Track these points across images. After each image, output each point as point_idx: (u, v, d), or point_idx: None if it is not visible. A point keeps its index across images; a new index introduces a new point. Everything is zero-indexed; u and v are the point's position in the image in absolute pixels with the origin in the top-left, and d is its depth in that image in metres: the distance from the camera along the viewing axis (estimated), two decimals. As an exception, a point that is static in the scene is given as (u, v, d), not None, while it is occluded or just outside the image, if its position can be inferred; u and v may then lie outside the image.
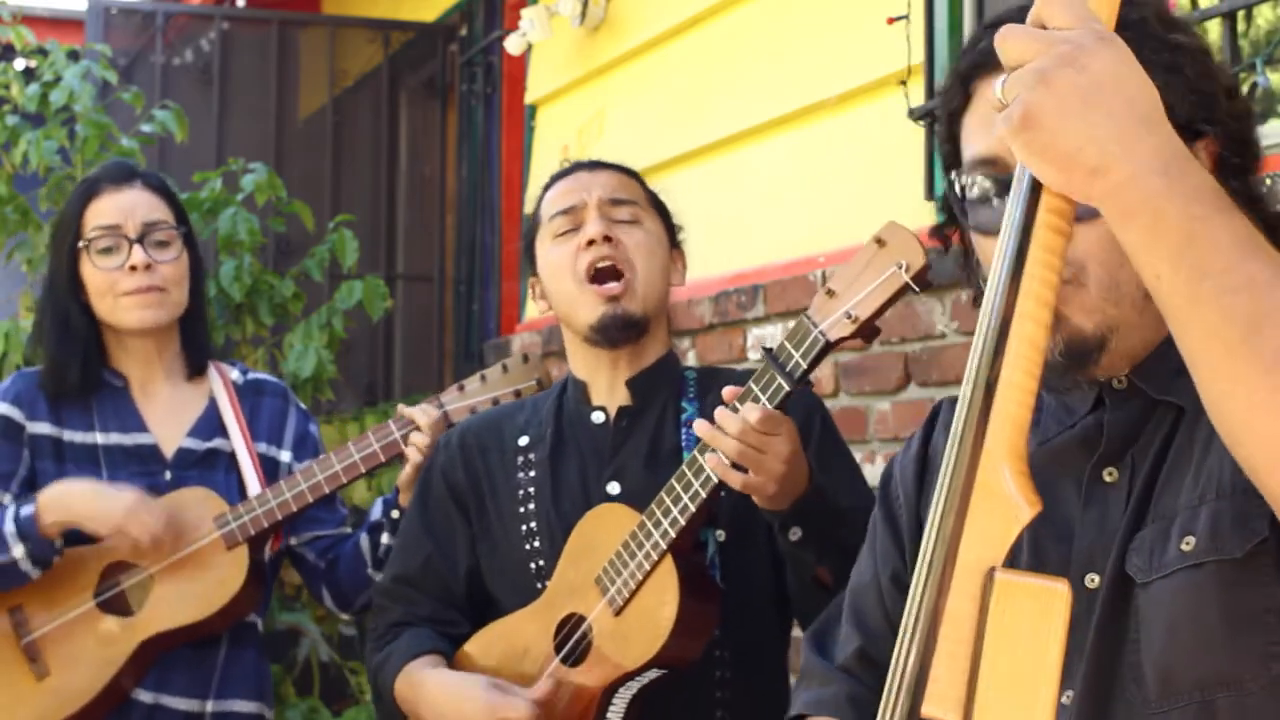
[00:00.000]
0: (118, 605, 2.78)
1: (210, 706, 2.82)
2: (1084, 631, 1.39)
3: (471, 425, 2.60)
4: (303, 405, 3.08)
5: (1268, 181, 2.51)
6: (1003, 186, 1.43)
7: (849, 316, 2.05)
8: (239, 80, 6.01)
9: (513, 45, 5.01)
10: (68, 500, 2.71)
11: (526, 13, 4.95)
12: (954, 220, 1.59)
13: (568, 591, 2.34)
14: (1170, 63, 1.42)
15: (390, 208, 6.16)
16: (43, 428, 2.85)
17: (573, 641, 2.33)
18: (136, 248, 2.83)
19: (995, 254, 1.22)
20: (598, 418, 2.48)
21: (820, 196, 3.81)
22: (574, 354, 2.53)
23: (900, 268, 2.00)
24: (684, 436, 2.43)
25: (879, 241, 2.04)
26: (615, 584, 2.27)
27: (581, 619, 2.32)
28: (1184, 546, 1.34)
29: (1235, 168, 1.45)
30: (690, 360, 4.08)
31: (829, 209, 3.76)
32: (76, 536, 2.75)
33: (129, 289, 2.83)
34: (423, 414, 2.76)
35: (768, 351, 2.13)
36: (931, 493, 1.61)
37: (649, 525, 2.23)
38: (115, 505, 2.69)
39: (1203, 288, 1.14)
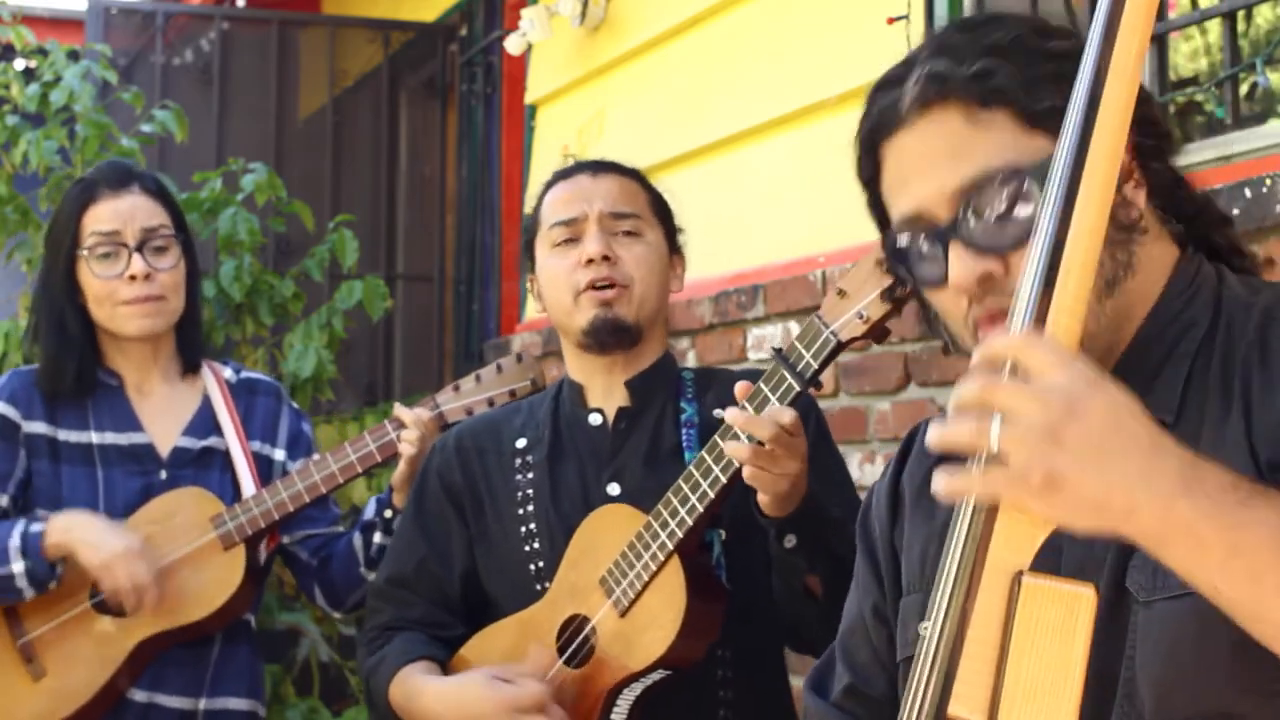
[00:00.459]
0: (113, 606, 2.78)
1: (204, 705, 2.83)
2: None
3: (468, 428, 2.59)
4: (296, 404, 3.09)
5: (1268, 182, 2.52)
6: (935, 238, 1.44)
7: (861, 316, 2.05)
8: (239, 80, 6.00)
9: (513, 45, 5.00)
10: (73, 527, 2.71)
11: (526, 13, 4.95)
12: (901, 280, 1.59)
13: (570, 593, 2.34)
14: (1056, 72, 1.40)
15: (390, 208, 6.16)
16: (38, 427, 2.85)
17: (576, 643, 2.32)
18: (136, 256, 2.83)
19: (1024, 272, 1.22)
20: (595, 420, 2.48)
21: (820, 196, 3.81)
22: (570, 358, 2.53)
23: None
24: (684, 437, 2.43)
25: None
26: (621, 585, 2.26)
27: (585, 620, 2.32)
28: None
29: (1153, 150, 1.45)
30: (690, 360, 4.08)
31: (829, 209, 3.76)
32: None
33: (128, 298, 2.84)
34: (413, 413, 2.76)
35: (778, 351, 2.13)
36: (903, 522, 1.62)
37: (655, 526, 2.23)
38: (112, 544, 2.68)
39: (1262, 590, 1.16)
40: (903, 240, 1.48)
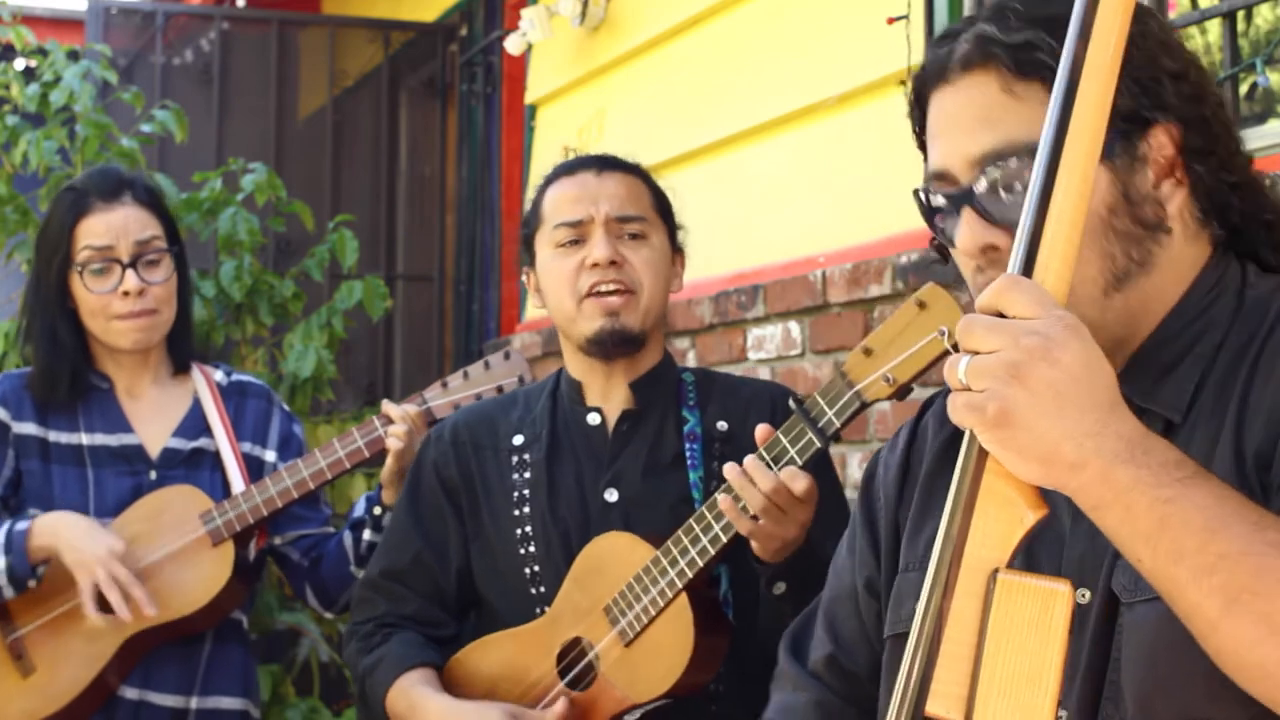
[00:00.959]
0: (102, 603, 2.78)
1: (195, 703, 2.84)
2: (1077, 650, 1.38)
3: (463, 419, 2.57)
4: (286, 407, 3.10)
5: (1267, 181, 2.52)
6: (952, 200, 1.44)
7: (887, 380, 2.05)
8: (239, 80, 6.00)
9: (513, 45, 5.00)
10: (58, 528, 2.72)
11: (526, 13, 4.95)
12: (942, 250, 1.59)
13: (573, 614, 2.32)
14: None
15: (390, 208, 6.15)
16: (29, 428, 2.87)
17: (579, 668, 2.31)
18: (129, 273, 2.84)
19: (1013, 255, 1.22)
20: (593, 419, 2.46)
21: (820, 196, 3.81)
22: (570, 356, 2.51)
23: (942, 334, 2.00)
24: (688, 451, 2.41)
25: (920, 304, 2.02)
26: (627, 616, 2.25)
27: (588, 645, 2.31)
28: None
29: (1199, 151, 1.43)
30: (690, 361, 4.08)
31: (829, 209, 3.76)
32: None
33: (122, 313, 2.85)
34: (400, 409, 2.76)
35: (799, 404, 2.12)
36: (911, 499, 1.62)
37: (664, 562, 2.21)
38: (91, 547, 2.68)
39: (1179, 571, 1.17)
40: (924, 195, 1.49)
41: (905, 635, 1.21)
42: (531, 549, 2.41)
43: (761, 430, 2.13)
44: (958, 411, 1.18)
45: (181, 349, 2.98)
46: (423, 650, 2.45)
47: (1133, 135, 1.40)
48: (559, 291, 2.42)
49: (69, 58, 4.43)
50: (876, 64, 3.57)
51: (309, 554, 2.95)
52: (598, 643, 2.29)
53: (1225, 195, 1.46)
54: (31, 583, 2.75)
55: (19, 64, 4.69)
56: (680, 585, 2.20)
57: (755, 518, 2.08)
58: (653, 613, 2.22)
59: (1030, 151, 1.30)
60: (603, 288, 2.38)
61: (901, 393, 2.06)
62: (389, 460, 2.74)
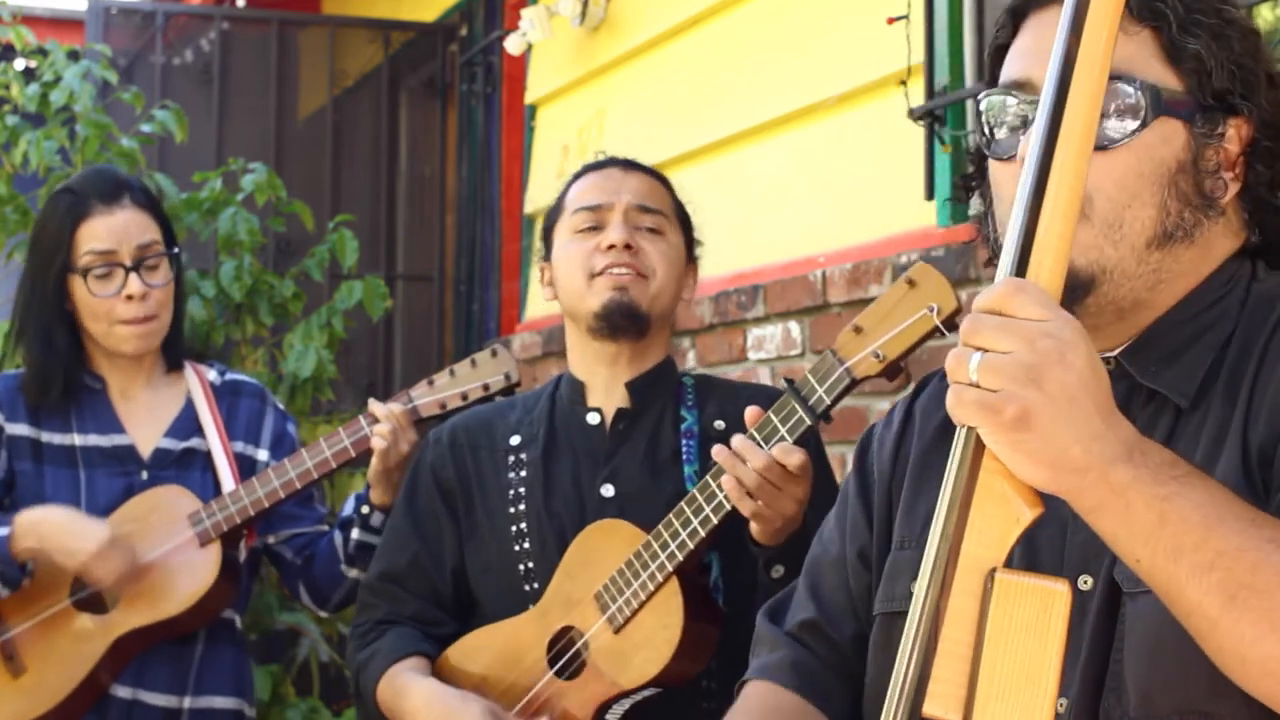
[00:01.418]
0: (93, 603, 2.80)
1: (188, 703, 2.84)
2: (1078, 638, 1.38)
3: (462, 422, 2.58)
4: (281, 406, 3.09)
5: None
6: (1025, 121, 1.44)
7: (877, 356, 2.05)
8: (239, 80, 6.01)
9: (513, 45, 5.00)
10: (42, 529, 2.72)
11: (526, 13, 4.95)
12: (978, 173, 1.58)
13: (564, 604, 2.33)
14: (1217, 30, 1.42)
15: (390, 208, 6.16)
16: (21, 429, 2.87)
17: (568, 656, 2.31)
18: (133, 277, 2.84)
19: (1003, 254, 1.22)
20: (593, 419, 2.47)
21: (820, 196, 3.81)
22: (574, 351, 2.51)
23: (931, 310, 2.00)
24: (684, 447, 2.42)
25: (910, 282, 2.03)
26: (617, 602, 2.25)
27: (578, 633, 2.31)
28: None
29: (1266, 152, 1.45)
30: (690, 360, 4.08)
31: (829, 209, 3.76)
32: None
33: (126, 318, 2.85)
34: (385, 408, 2.76)
35: (790, 383, 2.12)
36: (904, 475, 1.62)
37: (655, 546, 2.22)
38: (85, 544, 2.69)
39: (1178, 569, 1.17)
40: (995, 99, 1.47)
41: (896, 615, 1.21)
42: (526, 545, 2.41)
43: (751, 412, 2.14)
44: (968, 409, 1.17)
45: (174, 349, 2.99)
46: (416, 642, 2.46)
47: (1216, 114, 1.42)
48: (572, 270, 2.44)
49: (69, 58, 4.43)
50: (876, 64, 3.57)
51: (302, 553, 2.95)
52: (587, 630, 2.29)
53: (1273, 210, 1.48)
54: (25, 581, 2.75)
55: (19, 64, 4.69)
56: (670, 568, 2.20)
57: (752, 496, 2.08)
58: (642, 597, 2.23)
59: (1125, 80, 1.33)
60: (615, 270, 2.40)
61: (891, 370, 2.06)
62: (374, 459, 2.74)
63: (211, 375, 3.02)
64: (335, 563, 2.88)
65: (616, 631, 2.26)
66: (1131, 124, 1.39)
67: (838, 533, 1.72)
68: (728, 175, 4.21)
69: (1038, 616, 1.13)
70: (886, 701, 1.19)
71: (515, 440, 2.50)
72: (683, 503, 2.20)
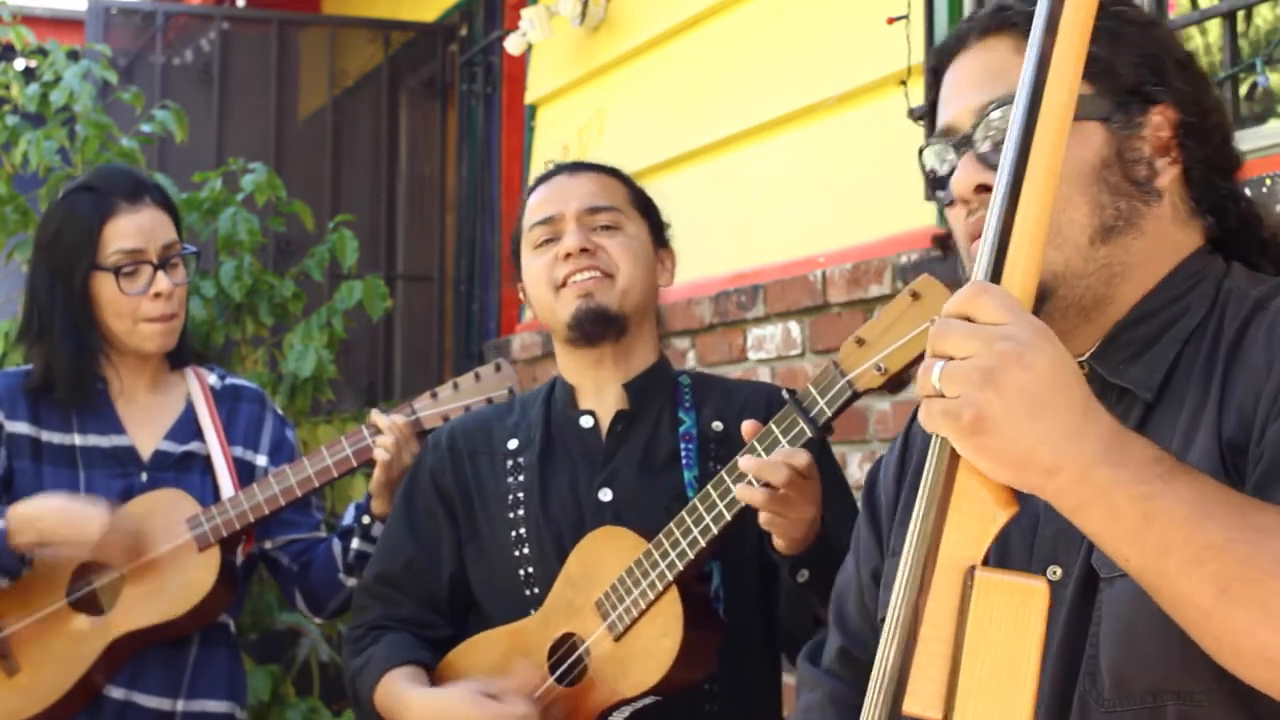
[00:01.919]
0: (89, 604, 2.79)
1: (181, 705, 2.84)
2: (1049, 628, 1.39)
3: (460, 426, 2.58)
4: (280, 411, 3.09)
5: (1268, 182, 2.52)
6: (954, 147, 1.50)
7: (879, 369, 2.05)
8: (239, 80, 6.01)
9: (513, 45, 5.01)
10: (38, 523, 2.71)
11: (526, 13, 4.95)
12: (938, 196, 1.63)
13: (565, 610, 2.32)
14: (1114, 30, 1.46)
15: (390, 208, 6.16)
16: (21, 427, 2.86)
17: (569, 663, 2.31)
18: (160, 275, 2.86)
19: (978, 259, 1.24)
20: (586, 422, 2.47)
21: (820, 196, 3.81)
22: (561, 358, 2.52)
23: (934, 324, 2.00)
24: (683, 450, 2.41)
25: (914, 295, 2.02)
26: (617, 610, 2.25)
27: (578, 640, 2.31)
28: None
29: (1195, 130, 1.48)
30: (690, 360, 4.08)
31: (829, 209, 3.76)
32: None
33: (153, 315, 2.86)
34: (388, 420, 2.76)
35: (792, 394, 2.12)
36: (908, 493, 1.64)
37: (655, 555, 2.21)
38: (86, 531, 2.69)
39: (1167, 564, 1.17)
40: (930, 150, 1.54)
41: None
42: (525, 551, 2.41)
43: (749, 426, 2.13)
44: (933, 418, 1.18)
45: (180, 350, 2.99)
46: (411, 649, 2.45)
47: (1132, 107, 1.46)
48: (538, 286, 2.46)
49: (69, 58, 4.43)
50: (876, 64, 3.57)
51: (298, 559, 2.95)
52: (588, 637, 2.29)
53: (1220, 194, 1.51)
54: (26, 570, 2.75)
55: (19, 64, 4.69)
56: (670, 577, 2.20)
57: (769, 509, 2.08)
58: (643, 605, 2.23)
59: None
60: (577, 276, 2.40)
61: (893, 383, 2.06)
62: (377, 471, 2.75)
63: (212, 379, 3.02)
64: (333, 570, 2.88)
65: (617, 639, 2.26)
66: None
67: (853, 560, 1.76)
68: (728, 175, 4.22)
69: (1017, 613, 1.13)
70: (866, 700, 1.19)
71: (513, 445, 2.50)
72: (683, 512, 2.20)
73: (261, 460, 2.96)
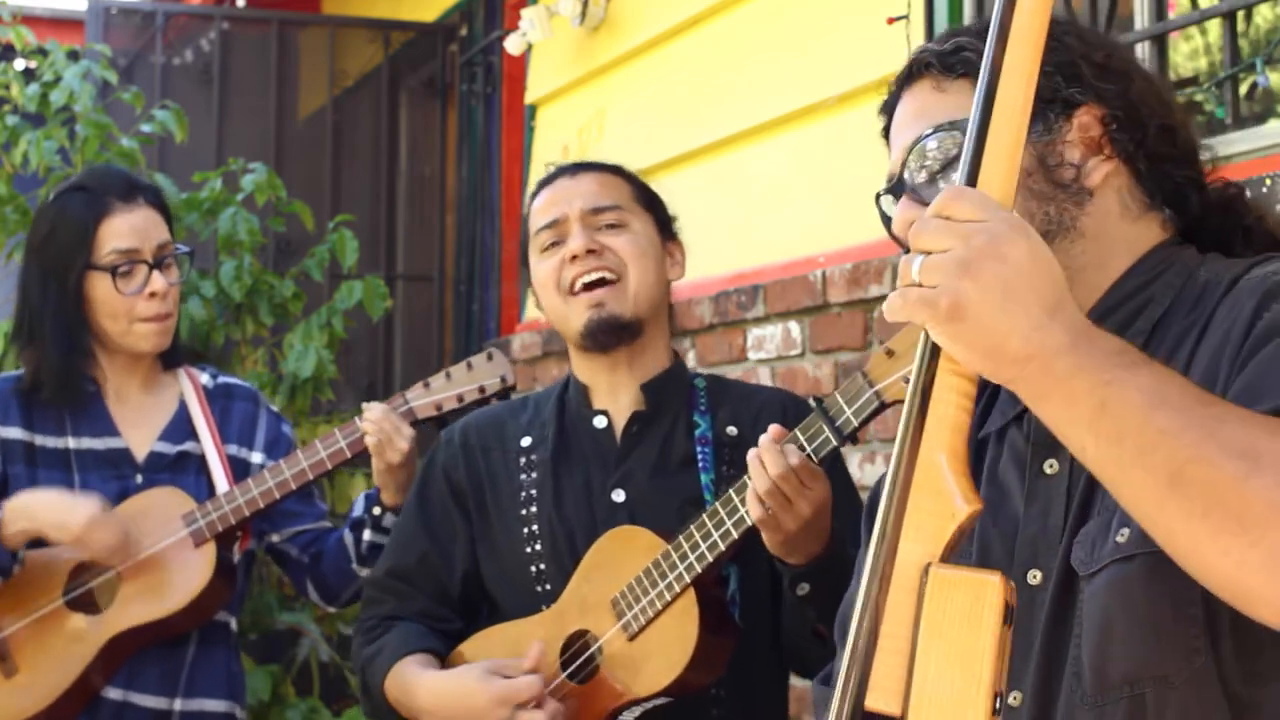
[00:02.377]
0: (86, 603, 2.79)
1: (179, 705, 2.84)
2: (1030, 631, 1.40)
3: (474, 423, 2.58)
4: (274, 408, 3.09)
5: (1268, 182, 2.52)
6: (894, 195, 1.55)
7: (907, 381, 2.03)
8: (239, 80, 6.01)
9: (513, 45, 5.01)
10: (32, 510, 2.72)
11: (526, 13, 4.95)
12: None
13: (579, 607, 2.32)
14: None
15: (390, 208, 6.16)
16: (14, 432, 2.87)
17: (582, 660, 2.31)
18: (156, 274, 2.85)
19: (960, 168, 1.26)
20: (600, 422, 2.46)
21: (820, 196, 3.81)
22: (575, 359, 2.52)
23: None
24: (699, 454, 2.41)
25: None
26: (633, 610, 2.25)
27: (592, 638, 2.30)
28: (1119, 539, 1.35)
29: (1123, 124, 1.48)
30: (690, 361, 4.08)
31: (829, 209, 3.76)
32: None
33: (147, 315, 2.86)
34: (379, 408, 2.75)
35: (819, 402, 2.11)
36: None
37: (674, 557, 2.21)
38: (75, 517, 2.70)
39: (1122, 451, 1.18)
40: (878, 204, 1.58)
41: None
42: (538, 548, 2.41)
43: (773, 430, 2.11)
44: (910, 306, 1.21)
45: (172, 350, 2.99)
46: (423, 638, 2.45)
47: (1051, 115, 1.48)
48: (548, 293, 2.45)
49: (69, 58, 4.43)
50: (876, 64, 3.57)
51: (307, 550, 2.95)
52: (602, 635, 2.29)
53: (1174, 182, 1.51)
54: (17, 568, 2.76)
55: (19, 64, 4.69)
56: (688, 579, 2.20)
57: (762, 502, 2.08)
58: (659, 606, 2.22)
59: (944, 126, 1.44)
60: (585, 279, 2.39)
61: None
62: (374, 460, 2.74)
63: (204, 379, 3.02)
64: (345, 561, 2.88)
65: (631, 639, 2.26)
66: None
67: (857, 577, 1.75)
68: (728, 175, 4.22)
69: (970, 607, 1.14)
70: (834, 695, 1.20)
71: (526, 442, 2.49)
72: (704, 515, 2.19)
73: (257, 457, 2.96)
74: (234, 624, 2.96)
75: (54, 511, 2.72)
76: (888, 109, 1.63)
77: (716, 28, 4.32)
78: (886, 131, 1.64)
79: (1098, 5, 3.12)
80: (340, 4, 7.00)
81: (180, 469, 2.90)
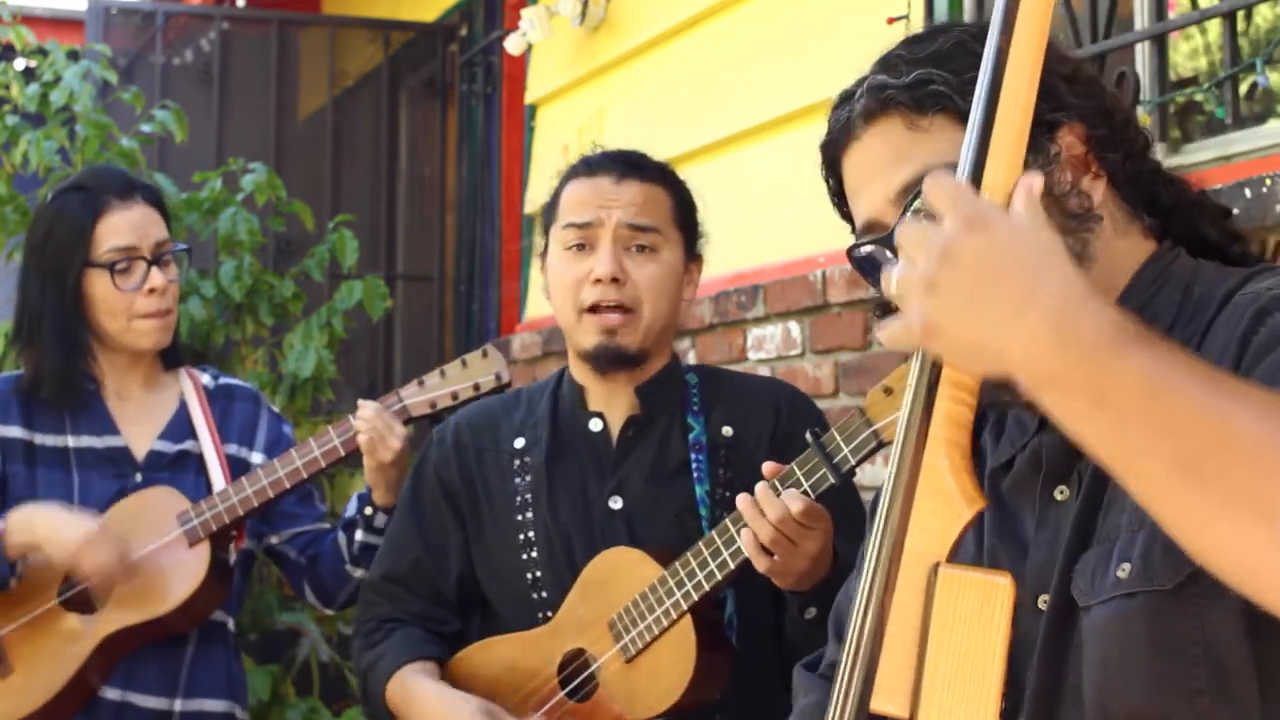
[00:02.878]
0: (80, 603, 2.79)
1: (179, 705, 2.84)
2: (1028, 653, 1.39)
3: (465, 421, 2.55)
4: (275, 409, 3.09)
5: (1268, 182, 2.52)
6: (885, 243, 1.46)
7: None
8: (239, 80, 6.01)
9: (513, 45, 5.01)
10: (33, 523, 2.72)
11: (526, 13, 4.95)
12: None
13: (577, 625, 2.31)
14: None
15: (390, 208, 6.16)
16: (14, 431, 2.87)
17: (579, 680, 2.30)
18: (154, 270, 2.85)
19: (963, 153, 1.23)
20: (595, 425, 2.45)
21: (820, 196, 3.78)
22: (573, 361, 2.49)
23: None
24: (693, 460, 2.39)
25: None
26: (631, 633, 2.24)
27: (590, 657, 2.30)
28: (1120, 573, 1.33)
29: (1106, 140, 1.44)
30: (690, 361, 4.07)
31: (829, 209, 3.75)
32: None
33: (147, 312, 2.85)
34: (372, 406, 2.74)
35: (816, 438, 2.10)
36: None
37: (671, 583, 2.20)
38: (73, 534, 2.69)
39: (1127, 445, 1.12)
40: (858, 250, 1.50)
41: None
42: (534, 554, 2.40)
43: (769, 468, 2.10)
44: (895, 337, 1.19)
45: (172, 349, 2.99)
46: (424, 645, 2.44)
47: (1039, 138, 1.40)
48: (562, 298, 2.41)
49: (69, 58, 4.43)
50: (876, 64, 3.57)
51: (305, 551, 2.95)
52: (600, 656, 2.28)
53: (1147, 183, 1.48)
54: (13, 581, 2.75)
55: (19, 64, 4.69)
56: (685, 607, 2.19)
57: (769, 551, 2.05)
58: (656, 632, 2.22)
59: (944, 170, 1.29)
60: (602, 305, 2.36)
61: None
62: (365, 457, 2.74)
63: (205, 379, 3.02)
64: (340, 562, 2.87)
65: (629, 661, 2.25)
66: None
67: (856, 575, 1.75)
68: (728, 175, 4.21)
69: (980, 609, 1.13)
70: (833, 696, 1.19)
71: (519, 443, 2.47)
72: (701, 543, 2.18)
73: (257, 458, 2.96)
74: (232, 624, 2.96)
75: (52, 528, 2.71)
76: (838, 142, 1.55)
77: (716, 28, 4.32)
78: (833, 164, 1.57)
79: (1098, 5, 3.11)
80: (340, 4, 7.00)
81: (179, 468, 2.90)
